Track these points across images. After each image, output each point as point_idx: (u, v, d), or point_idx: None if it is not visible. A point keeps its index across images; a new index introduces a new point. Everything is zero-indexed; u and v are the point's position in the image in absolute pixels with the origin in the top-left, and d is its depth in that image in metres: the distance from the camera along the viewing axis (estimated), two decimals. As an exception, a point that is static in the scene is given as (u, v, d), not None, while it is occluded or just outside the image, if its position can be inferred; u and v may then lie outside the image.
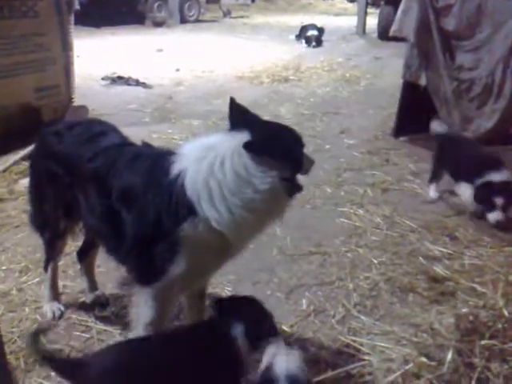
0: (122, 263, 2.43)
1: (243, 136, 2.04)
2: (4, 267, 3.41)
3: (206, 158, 2.06)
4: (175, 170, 2.10)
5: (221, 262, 2.29)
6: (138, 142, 2.53)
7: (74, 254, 3.44)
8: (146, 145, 2.49)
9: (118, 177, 2.29)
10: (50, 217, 2.77)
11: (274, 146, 2.05)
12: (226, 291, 3.18)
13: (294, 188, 2.14)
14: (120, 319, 2.90)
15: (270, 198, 2.03)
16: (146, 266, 2.23)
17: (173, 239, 2.09)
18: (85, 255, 3.09)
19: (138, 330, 2.31)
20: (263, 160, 2.01)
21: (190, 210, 2.05)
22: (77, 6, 6.38)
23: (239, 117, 2.18)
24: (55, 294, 3.01)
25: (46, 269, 2.97)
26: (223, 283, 3.25)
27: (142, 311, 2.27)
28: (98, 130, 2.59)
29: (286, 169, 2.07)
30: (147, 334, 2.28)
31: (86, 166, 2.41)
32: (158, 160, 2.21)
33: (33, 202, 2.88)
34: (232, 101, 2.21)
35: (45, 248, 2.93)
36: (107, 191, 2.29)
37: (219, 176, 2.02)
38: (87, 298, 3.10)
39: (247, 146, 1.99)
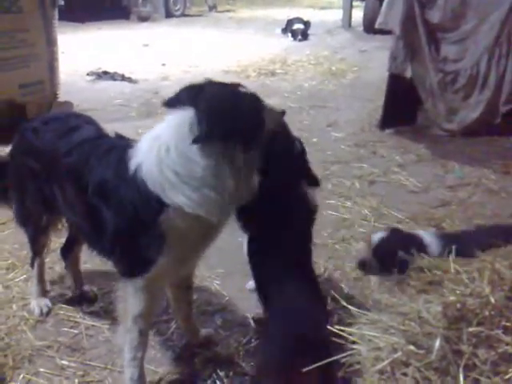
0: (107, 258, 2.42)
1: (182, 117, 2.02)
2: (-10, 264, 3.39)
3: (153, 149, 2.07)
4: (133, 165, 2.10)
5: (204, 245, 2.30)
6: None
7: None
8: (119, 137, 2.45)
9: (92, 171, 2.28)
10: (32, 212, 2.77)
11: (221, 128, 1.97)
12: (215, 285, 3.19)
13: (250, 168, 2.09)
14: (108, 314, 2.89)
15: (219, 172, 2.01)
16: (131, 259, 2.23)
17: (153, 232, 2.09)
18: (69, 252, 3.08)
19: (127, 324, 2.30)
20: (209, 139, 1.97)
21: (160, 202, 2.05)
22: (61, 2, 6.34)
23: (180, 95, 2.11)
24: (42, 290, 3.00)
25: (32, 265, 2.96)
26: (212, 277, 3.25)
27: (130, 304, 2.26)
28: (73, 124, 2.58)
29: (234, 147, 2.01)
30: (137, 327, 2.28)
31: (61, 161, 2.41)
32: (123, 154, 2.19)
33: (15, 198, 2.87)
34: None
35: (29, 244, 2.92)
36: (84, 186, 2.28)
37: (169, 163, 2.01)
38: (74, 294, 3.09)
39: (195, 141, 1.96)
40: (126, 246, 2.21)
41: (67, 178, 2.41)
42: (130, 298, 2.26)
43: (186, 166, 2.00)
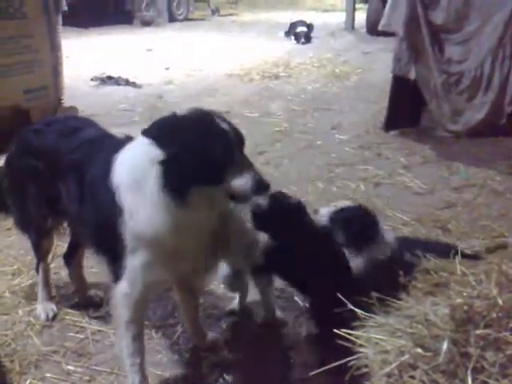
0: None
1: (151, 150, 2.01)
2: (-4, 270, 3.39)
3: (124, 159, 2.16)
4: (112, 171, 2.16)
5: (178, 266, 2.26)
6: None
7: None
8: (129, 138, 2.42)
9: (89, 171, 2.33)
10: (34, 216, 2.76)
11: (186, 163, 1.97)
12: (222, 288, 3.18)
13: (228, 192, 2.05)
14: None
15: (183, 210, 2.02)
16: (108, 263, 2.29)
17: (118, 238, 2.14)
18: (72, 257, 3.08)
19: (120, 331, 2.33)
20: (162, 153, 1.99)
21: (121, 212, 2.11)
22: (65, 7, 6.35)
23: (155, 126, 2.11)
24: (48, 295, 3.00)
25: (37, 270, 2.96)
26: (218, 281, 3.23)
27: (119, 311, 2.29)
28: (76, 125, 2.62)
29: (201, 178, 2.00)
30: (130, 333, 2.29)
31: (65, 159, 2.44)
32: (112, 156, 2.22)
33: (15, 204, 2.87)
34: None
35: (33, 249, 2.93)
36: (82, 183, 2.34)
37: (128, 178, 2.10)
38: (79, 299, 3.09)
39: (162, 172, 1.98)
40: (101, 246, 2.31)
41: (71, 176, 2.42)
42: (117, 304, 2.28)
43: (138, 182, 2.07)
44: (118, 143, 2.32)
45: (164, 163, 1.98)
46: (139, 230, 2.09)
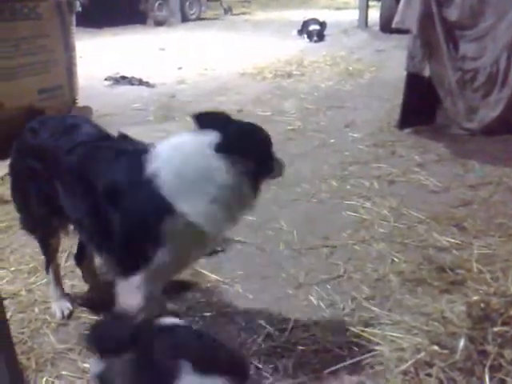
0: (107, 257, 2.49)
1: (208, 136, 2.17)
2: (12, 268, 3.41)
3: (173, 158, 2.21)
4: (149, 169, 2.19)
5: (199, 253, 2.46)
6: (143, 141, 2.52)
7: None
8: (123, 136, 2.52)
9: (100, 173, 2.33)
10: (38, 216, 2.75)
11: (241, 148, 2.17)
12: (236, 286, 3.18)
13: (258, 189, 2.29)
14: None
15: (234, 194, 2.18)
16: (131, 259, 2.31)
17: (156, 233, 2.19)
18: (82, 257, 3.08)
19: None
20: (229, 160, 2.14)
21: (169, 208, 2.15)
22: (78, 8, 6.39)
23: (208, 119, 2.30)
24: (62, 293, 3.01)
25: (47, 270, 2.97)
26: (231, 279, 3.24)
27: (128, 301, 2.33)
28: (72, 122, 2.62)
29: (251, 169, 2.19)
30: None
31: (64, 159, 2.43)
32: (135, 158, 2.27)
33: (19, 205, 2.86)
34: (196, 115, 2.32)
35: (41, 249, 2.94)
36: (88, 186, 2.34)
37: (187, 175, 2.16)
38: (94, 297, 3.09)
39: (216, 147, 2.12)
40: (128, 247, 2.29)
41: (71, 177, 2.43)
42: (127, 296, 2.34)
43: (202, 180, 2.16)
44: (133, 148, 2.38)
45: (239, 162, 2.16)
46: (189, 224, 2.16)
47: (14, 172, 2.82)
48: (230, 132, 2.19)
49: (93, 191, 2.32)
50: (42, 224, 2.81)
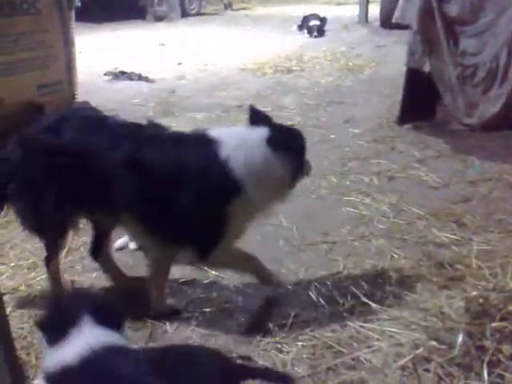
0: (172, 240, 2.69)
1: (264, 131, 2.57)
2: (12, 264, 3.42)
3: (241, 148, 2.55)
4: (223, 155, 2.51)
5: (249, 226, 2.82)
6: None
7: (82, 249, 3.47)
8: (153, 124, 2.86)
9: (160, 161, 2.55)
10: (53, 215, 2.73)
11: (288, 145, 2.59)
12: (235, 282, 3.18)
13: (295, 183, 2.75)
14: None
15: (283, 184, 2.66)
16: (205, 238, 2.64)
17: (230, 210, 2.55)
18: (99, 250, 3.08)
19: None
20: (281, 155, 2.55)
21: (239, 190, 2.52)
22: (78, 3, 6.38)
23: (257, 117, 2.69)
24: (60, 288, 3.00)
25: (47, 265, 2.96)
26: (231, 274, 3.24)
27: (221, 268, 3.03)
28: (95, 117, 2.74)
29: (292, 164, 2.60)
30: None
31: (109, 155, 2.50)
32: (201, 145, 2.59)
33: (26, 205, 2.80)
34: (251, 108, 2.73)
35: (47, 246, 2.92)
36: (144, 175, 2.53)
37: (252, 164, 2.53)
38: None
39: (269, 140, 2.53)
40: (199, 228, 2.58)
41: (120, 171, 2.51)
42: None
43: (265, 169, 2.55)
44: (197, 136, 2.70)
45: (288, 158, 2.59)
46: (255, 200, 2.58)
47: (23, 173, 2.72)
48: (280, 131, 2.63)
49: (161, 178, 2.53)
50: (55, 223, 2.79)
